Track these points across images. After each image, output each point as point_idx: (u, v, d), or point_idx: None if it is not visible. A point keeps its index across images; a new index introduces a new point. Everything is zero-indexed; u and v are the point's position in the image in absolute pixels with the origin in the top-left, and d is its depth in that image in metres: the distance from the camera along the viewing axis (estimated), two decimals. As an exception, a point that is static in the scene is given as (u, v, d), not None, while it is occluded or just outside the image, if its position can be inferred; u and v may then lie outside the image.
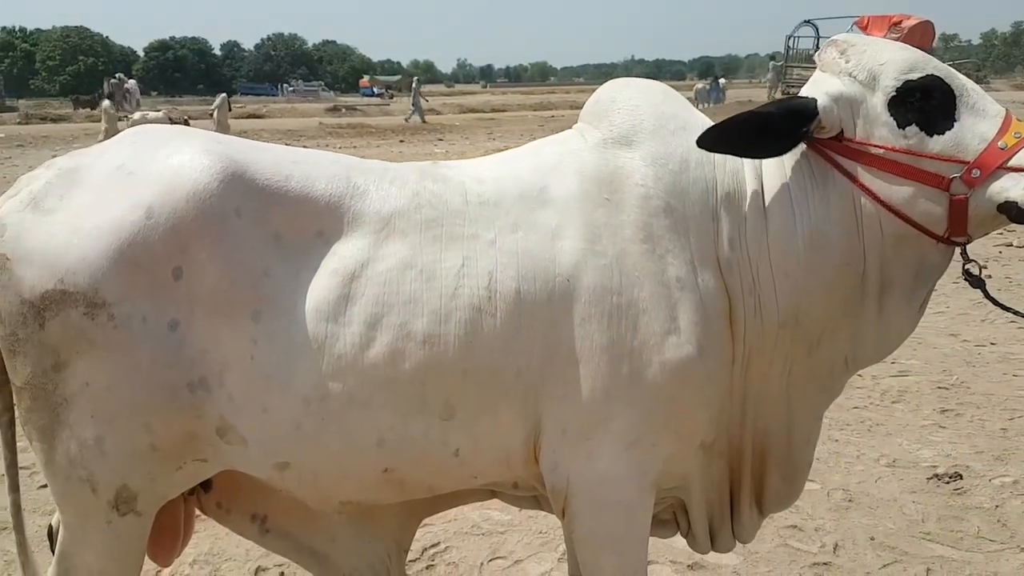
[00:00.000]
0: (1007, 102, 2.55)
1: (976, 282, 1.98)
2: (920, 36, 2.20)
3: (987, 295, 2.02)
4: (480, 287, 1.90)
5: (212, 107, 22.65)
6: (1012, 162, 1.83)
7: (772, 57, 25.97)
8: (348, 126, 31.09)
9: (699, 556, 3.30)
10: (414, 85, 35.88)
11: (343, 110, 42.71)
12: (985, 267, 2.01)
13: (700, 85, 34.15)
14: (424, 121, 32.57)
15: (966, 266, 1.97)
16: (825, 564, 3.40)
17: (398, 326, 1.87)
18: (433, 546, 3.57)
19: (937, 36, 2.11)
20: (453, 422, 1.93)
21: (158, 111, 22.59)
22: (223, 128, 22.04)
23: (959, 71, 1.98)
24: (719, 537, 2.29)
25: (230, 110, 23.35)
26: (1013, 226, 1.90)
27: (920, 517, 3.76)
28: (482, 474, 2.07)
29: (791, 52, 24.28)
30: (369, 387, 1.88)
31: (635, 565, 2.07)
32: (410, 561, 3.27)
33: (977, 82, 2.00)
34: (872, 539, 3.58)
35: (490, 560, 3.48)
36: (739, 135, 1.91)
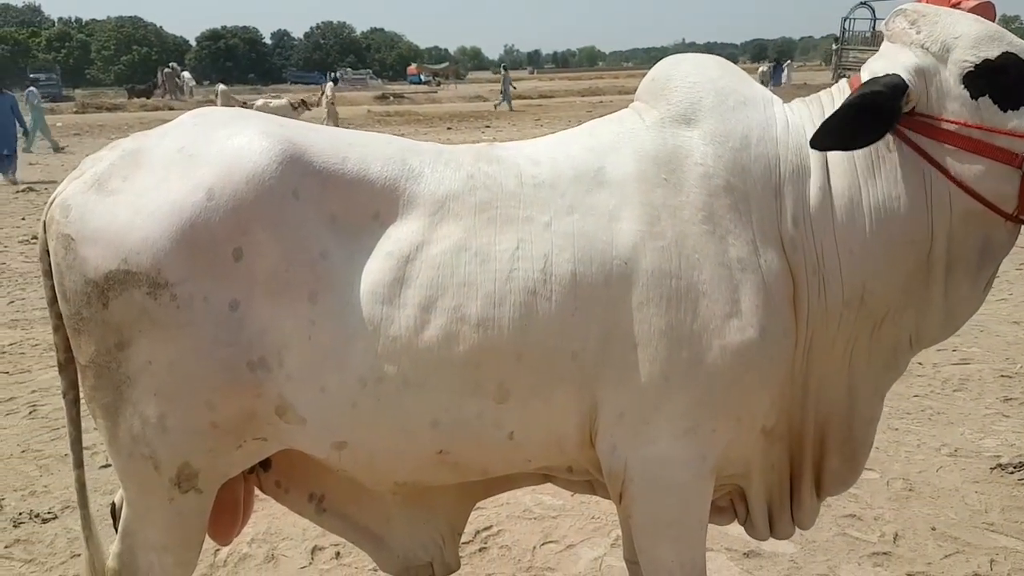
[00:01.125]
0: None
1: None
2: (980, 17, 2.12)
3: None
4: (535, 270, 1.89)
5: (324, 97, 23.51)
6: None
7: (836, 40, 25.35)
8: (396, 114, 31.33)
9: (755, 544, 3.27)
10: (502, 72, 36.54)
11: (391, 98, 42.95)
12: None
13: (764, 68, 33.94)
14: (511, 108, 33.05)
15: None
16: (885, 554, 3.33)
17: (452, 309, 1.87)
18: (486, 529, 3.58)
19: (997, 18, 2.04)
20: (507, 405, 1.92)
21: (280, 98, 23.31)
22: (333, 114, 22.84)
23: None
24: (778, 523, 2.25)
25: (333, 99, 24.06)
26: None
27: (983, 507, 3.67)
28: (536, 457, 2.06)
29: (847, 34, 23.69)
30: (423, 369, 1.88)
31: (693, 551, 2.04)
32: (463, 543, 3.28)
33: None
34: (933, 529, 3.50)
35: (542, 544, 3.48)
36: (848, 126, 1.83)
